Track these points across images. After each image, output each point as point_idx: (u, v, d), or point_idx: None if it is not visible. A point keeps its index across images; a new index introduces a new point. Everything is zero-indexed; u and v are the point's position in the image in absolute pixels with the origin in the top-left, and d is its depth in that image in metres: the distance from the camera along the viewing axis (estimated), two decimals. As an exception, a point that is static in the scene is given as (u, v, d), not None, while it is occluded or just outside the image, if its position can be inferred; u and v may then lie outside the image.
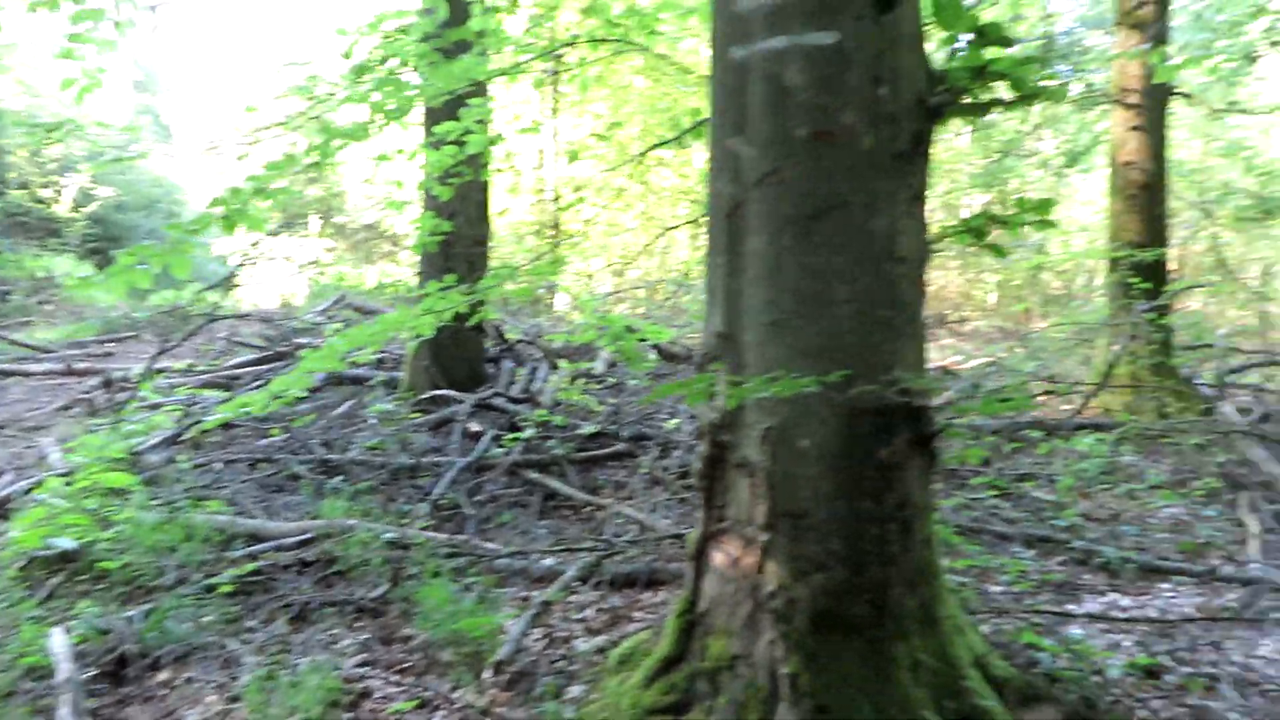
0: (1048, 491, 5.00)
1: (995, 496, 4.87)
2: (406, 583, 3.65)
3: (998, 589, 3.75)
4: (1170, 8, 7.77)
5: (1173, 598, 3.75)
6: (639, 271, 14.59)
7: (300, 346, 8.17)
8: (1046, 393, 6.92)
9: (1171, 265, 11.83)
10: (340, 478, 5.02)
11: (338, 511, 4.34)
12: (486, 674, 2.99)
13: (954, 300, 14.80)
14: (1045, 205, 2.51)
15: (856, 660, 2.41)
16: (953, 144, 14.11)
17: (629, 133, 13.19)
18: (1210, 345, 8.38)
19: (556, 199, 13.68)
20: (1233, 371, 7.73)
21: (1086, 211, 14.82)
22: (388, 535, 3.97)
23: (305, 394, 6.43)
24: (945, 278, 15.27)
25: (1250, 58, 13.93)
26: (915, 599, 2.51)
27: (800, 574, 2.44)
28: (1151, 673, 2.99)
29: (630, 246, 13.64)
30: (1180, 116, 11.87)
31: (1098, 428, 5.93)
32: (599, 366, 7.70)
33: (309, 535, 4.05)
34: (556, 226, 13.44)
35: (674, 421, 6.00)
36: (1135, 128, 7.51)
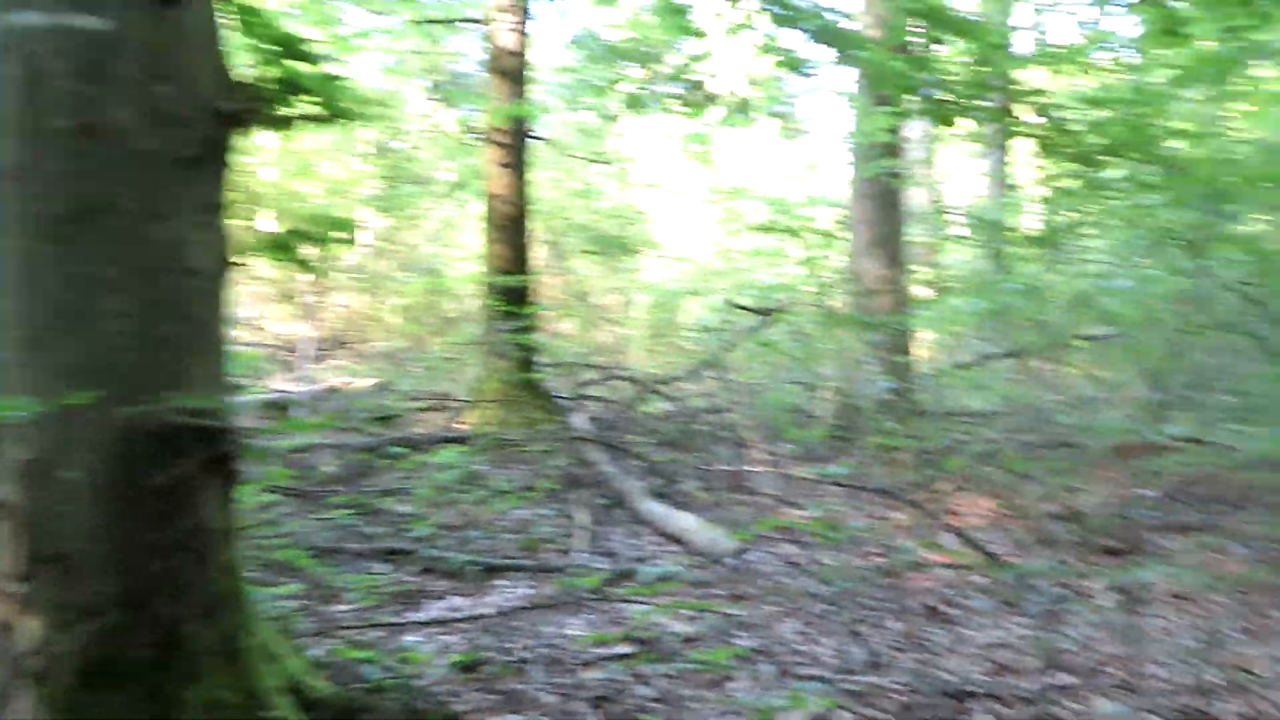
0: (410, 505, 5.19)
1: (357, 514, 4.91)
2: None
3: (344, 607, 3.76)
4: (532, 61, 8.69)
5: (508, 593, 4.10)
6: None
7: None
8: (423, 409, 7.24)
9: (550, 291, 13.30)
10: None
11: None
12: None
13: (359, 322, 14.90)
14: (345, 224, 2.56)
15: (135, 710, 2.17)
16: (351, 166, 14.24)
17: None
18: (570, 363, 9.54)
19: None
20: (585, 385, 8.87)
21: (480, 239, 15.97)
22: None
23: None
24: (353, 300, 15.31)
25: (609, 116, 16.32)
26: (214, 632, 2.35)
27: (66, 625, 2.13)
28: (471, 667, 3.20)
29: None
30: (553, 160, 13.40)
31: (460, 440, 6.35)
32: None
33: None
34: None
35: None
36: (505, 165, 8.26)
